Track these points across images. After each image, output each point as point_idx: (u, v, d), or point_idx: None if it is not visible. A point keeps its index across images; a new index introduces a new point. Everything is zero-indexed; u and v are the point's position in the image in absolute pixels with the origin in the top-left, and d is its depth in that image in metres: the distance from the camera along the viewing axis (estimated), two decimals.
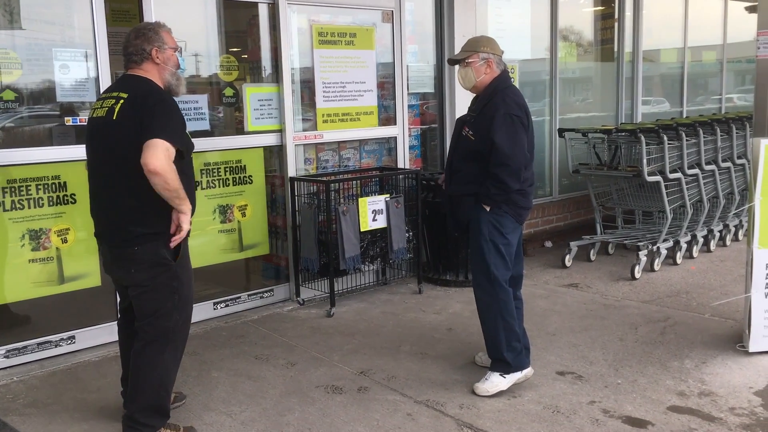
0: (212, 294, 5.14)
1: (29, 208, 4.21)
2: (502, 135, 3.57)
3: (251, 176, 5.22)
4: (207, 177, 4.98)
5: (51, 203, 4.29)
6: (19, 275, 4.22)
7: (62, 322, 4.44)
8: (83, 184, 4.29)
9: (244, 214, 5.22)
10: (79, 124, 4.40)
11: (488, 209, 3.68)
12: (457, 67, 3.86)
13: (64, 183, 4.32)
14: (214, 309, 5.10)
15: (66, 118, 4.38)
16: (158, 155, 2.86)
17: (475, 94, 3.86)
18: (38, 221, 4.25)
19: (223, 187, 5.09)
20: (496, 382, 3.73)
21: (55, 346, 4.37)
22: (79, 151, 4.31)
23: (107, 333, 4.48)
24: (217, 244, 5.10)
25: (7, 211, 4.14)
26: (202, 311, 4.96)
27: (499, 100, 3.64)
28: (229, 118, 5.36)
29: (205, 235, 5.01)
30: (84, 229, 4.37)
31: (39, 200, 4.24)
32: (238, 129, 5.28)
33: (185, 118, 3.23)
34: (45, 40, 4.29)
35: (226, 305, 5.16)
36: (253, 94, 5.20)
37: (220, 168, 5.06)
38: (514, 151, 3.58)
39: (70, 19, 4.41)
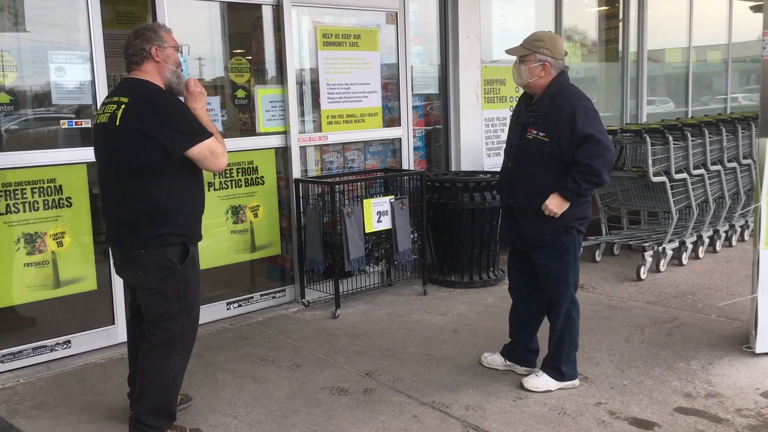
0: (218, 296, 5.15)
1: (24, 211, 4.17)
2: (593, 127, 3.49)
3: (263, 177, 5.25)
4: (219, 178, 5.03)
5: (46, 207, 4.24)
6: (14, 279, 4.18)
7: (58, 327, 4.41)
8: (79, 187, 4.31)
9: (256, 215, 5.24)
10: (74, 126, 4.38)
11: (569, 231, 3.64)
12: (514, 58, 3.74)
13: (60, 186, 4.28)
14: (226, 309, 5.13)
15: (61, 121, 4.35)
16: (215, 160, 3.08)
17: (525, 92, 3.78)
18: (33, 225, 4.21)
19: (236, 188, 5.13)
20: (547, 382, 3.77)
21: (51, 351, 4.32)
22: (74, 154, 4.32)
23: (103, 337, 4.49)
24: (230, 244, 5.14)
25: (2, 214, 4.10)
26: (208, 313, 4.96)
27: (570, 96, 3.57)
28: (234, 119, 5.37)
29: (218, 236, 5.07)
30: (80, 233, 4.37)
31: (34, 204, 4.20)
32: (242, 131, 5.29)
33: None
34: (41, 43, 4.24)
35: (239, 305, 5.19)
36: (264, 95, 5.22)
37: (232, 169, 5.10)
38: (609, 142, 3.52)
39: (67, 22, 4.36)
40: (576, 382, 3.83)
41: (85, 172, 4.36)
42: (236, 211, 5.14)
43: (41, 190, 4.24)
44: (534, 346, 3.99)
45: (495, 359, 4.08)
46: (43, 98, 4.34)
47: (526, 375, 3.88)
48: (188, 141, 3.02)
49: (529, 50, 3.63)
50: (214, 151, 3.08)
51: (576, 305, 3.78)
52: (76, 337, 4.42)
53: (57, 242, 4.32)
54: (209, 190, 4.99)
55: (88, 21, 4.31)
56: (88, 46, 4.33)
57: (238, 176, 5.12)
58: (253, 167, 5.20)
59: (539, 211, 3.63)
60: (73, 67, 4.34)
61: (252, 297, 5.27)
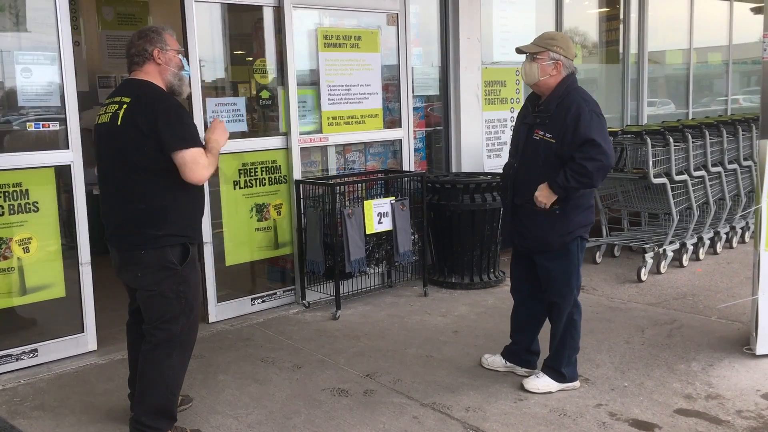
0: (241, 292, 5.26)
1: None
2: (596, 131, 3.47)
3: (285, 176, 5.35)
4: (244, 177, 5.15)
5: (12, 212, 4.12)
6: None
7: (24, 335, 4.28)
8: (46, 191, 4.21)
9: (279, 213, 5.35)
10: (42, 129, 4.26)
11: (572, 236, 3.63)
12: (523, 57, 3.73)
13: (26, 190, 4.15)
14: (251, 305, 5.24)
15: (28, 123, 4.25)
16: (196, 169, 3.02)
17: (534, 92, 3.76)
18: None
19: (260, 186, 5.24)
20: (548, 383, 3.77)
21: (17, 360, 4.19)
22: (41, 158, 4.21)
23: (72, 346, 4.38)
24: (255, 241, 5.27)
25: None
26: (236, 308, 5.16)
27: (578, 98, 3.54)
28: (258, 119, 5.46)
29: (244, 233, 5.21)
30: (47, 239, 4.26)
31: None
32: (266, 131, 5.37)
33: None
34: (6, 43, 4.15)
35: (263, 301, 5.32)
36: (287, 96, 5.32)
37: (257, 168, 5.21)
38: (609, 148, 3.49)
39: (33, 23, 4.24)
40: (576, 383, 3.83)
41: (53, 175, 4.27)
42: (260, 209, 5.24)
43: (6, 194, 4.11)
44: (535, 347, 3.99)
45: (495, 360, 4.08)
46: (8, 100, 4.23)
47: (527, 376, 3.88)
48: (176, 144, 3.00)
49: (542, 48, 3.62)
50: (197, 160, 3.03)
51: (578, 308, 3.78)
52: (43, 345, 4.29)
53: (23, 248, 4.19)
54: (234, 189, 5.08)
55: (57, 22, 4.19)
56: (56, 47, 4.22)
57: (262, 175, 5.21)
58: (276, 166, 5.29)
59: (545, 213, 3.63)
60: (41, 69, 4.24)
61: (275, 293, 5.39)
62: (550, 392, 3.75)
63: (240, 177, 5.09)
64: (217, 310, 5.01)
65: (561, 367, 3.77)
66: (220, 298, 5.05)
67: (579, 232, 3.68)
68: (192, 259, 3.19)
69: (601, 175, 3.52)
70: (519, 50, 3.74)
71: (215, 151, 3.17)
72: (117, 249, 3.21)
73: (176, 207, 3.11)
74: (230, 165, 5.05)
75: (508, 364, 4.04)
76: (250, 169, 5.14)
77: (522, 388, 3.79)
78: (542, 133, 3.59)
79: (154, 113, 3.00)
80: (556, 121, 3.56)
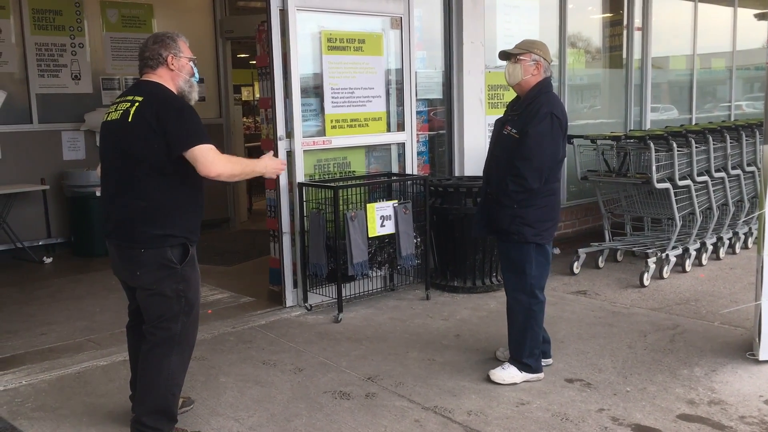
0: None
1: None
2: (537, 129, 3.72)
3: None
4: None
5: None
6: None
7: None
8: None
9: None
10: None
11: (530, 235, 3.80)
12: (505, 63, 4.00)
13: None
14: None
15: None
16: (213, 161, 3.05)
17: (516, 94, 3.99)
18: None
19: None
20: (513, 374, 3.92)
21: None
22: None
23: None
24: None
25: None
26: None
27: (545, 100, 3.82)
28: None
29: None
30: None
31: None
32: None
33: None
34: None
35: None
36: None
37: None
38: (542, 147, 3.71)
39: None
40: (541, 375, 3.96)
41: None
42: None
43: None
44: (546, 336, 4.11)
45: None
46: None
47: (550, 365, 4.03)
48: (189, 140, 3.04)
49: (525, 50, 3.90)
50: (208, 153, 3.06)
51: (539, 303, 3.92)
52: None
53: None
54: None
55: None
56: None
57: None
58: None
59: (507, 207, 3.85)
60: None
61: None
62: (515, 383, 3.88)
63: None
64: None
65: (523, 358, 3.91)
66: None
67: (537, 227, 3.83)
68: (192, 258, 3.20)
69: (535, 175, 3.72)
70: (502, 54, 3.99)
71: (249, 162, 3.37)
72: (115, 246, 3.21)
73: (177, 207, 3.13)
74: None
75: None
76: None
77: (489, 380, 3.91)
78: (510, 128, 3.85)
79: (166, 112, 3.05)
80: (523, 118, 3.81)
